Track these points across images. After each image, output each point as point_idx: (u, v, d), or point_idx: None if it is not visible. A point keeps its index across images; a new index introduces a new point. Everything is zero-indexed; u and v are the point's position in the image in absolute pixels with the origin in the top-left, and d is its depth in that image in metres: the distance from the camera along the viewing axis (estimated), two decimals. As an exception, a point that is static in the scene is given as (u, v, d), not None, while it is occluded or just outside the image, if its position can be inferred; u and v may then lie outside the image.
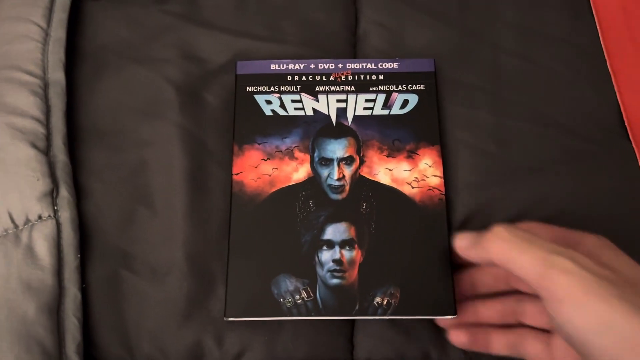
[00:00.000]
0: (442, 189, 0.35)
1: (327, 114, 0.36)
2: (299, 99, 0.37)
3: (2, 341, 0.30)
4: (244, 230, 0.34)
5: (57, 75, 0.37)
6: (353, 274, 0.33)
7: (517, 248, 0.26)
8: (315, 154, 0.35)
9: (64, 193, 0.34)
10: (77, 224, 0.34)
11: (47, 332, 0.31)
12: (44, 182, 0.33)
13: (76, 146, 0.37)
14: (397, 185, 0.35)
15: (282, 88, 0.37)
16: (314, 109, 0.36)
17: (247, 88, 0.37)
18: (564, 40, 0.40)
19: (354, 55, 0.41)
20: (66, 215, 0.33)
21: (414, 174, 0.35)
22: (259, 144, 0.35)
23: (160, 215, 0.35)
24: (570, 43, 0.40)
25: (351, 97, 0.37)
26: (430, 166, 0.35)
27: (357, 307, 0.32)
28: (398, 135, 0.36)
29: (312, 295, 0.32)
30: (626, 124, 0.38)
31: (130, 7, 0.41)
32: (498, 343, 0.31)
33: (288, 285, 0.32)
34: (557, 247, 0.26)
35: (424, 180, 0.35)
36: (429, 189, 0.35)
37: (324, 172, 0.35)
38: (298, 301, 0.32)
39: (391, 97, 0.37)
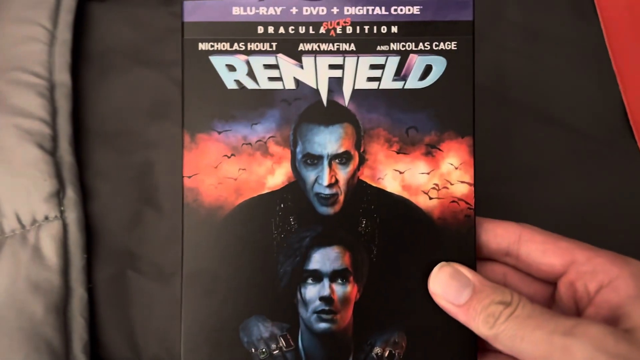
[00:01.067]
0: (472, 201, 0.26)
1: (315, 87, 0.25)
2: (274, 63, 0.25)
3: (12, 340, 0.30)
4: (202, 257, 0.25)
5: (63, 77, 0.37)
6: (346, 315, 0.25)
7: (518, 336, 0.22)
8: (298, 149, 0.25)
9: (71, 194, 0.34)
10: (84, 224, 0.34)
11: (54, 331, 0.31)
12: (50, 183, 0.34)
13: (82, 147, 0.37)
14: (409, 195, 0.26)
15: (251, 46, 0.25)
16: (296, 80, 0.25)
17: (200, 45, 0.25)
18: (568, 40, 0.40)
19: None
20: (73, 215, 0.34)
21: (433, 179, 0.26)
22: (219, 133, 0.25)
23: (166, 216, 0.35)
24: (575, 42, 0.40)
25: (350, 61, 0.25)
26: (456, 168, 0.26)
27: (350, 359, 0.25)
28: (414, 121, 0.25)
29: (292, 344, 0.25)
30: (631, 124, 0.38)
31: (136, 9, 0.41)
32: None
33: (262, 331, 0.25)
34: (561, 320, 0.22)
35: (446, 188, 0.25)
36: (453, 201, 0.25)
37: (310, 176, 0.25)
38: (275, 352, 0.25)
39: (408, 61, 0.25)
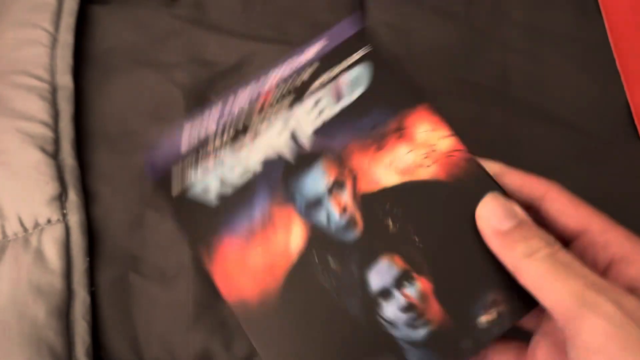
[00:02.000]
0: (461, 145, 0.26)
1: (278, 154, 0.27)
2: (236, 162, 0.27)
3: (14, 344, 0.30)
4: (279, 347, 0.24)
5: (65, 80, 0.37)
6: (435, 308, 0.24)
7: (552, 273, 0.22)
8: (298, 205, 0.26)
9: (73, 197, 0.34)
10: (86, 227, 0.34)
11: (57, 335, 0.31)
12: (53, 186, 0.34)
13: (85, 150, 0.37)
14: (410, 177, 0.26)
15: (212, 164, 0.27)
16: (262, 162, 0.26)
17: (174, 193, 0.26)
18: (571, 39, 0.40)
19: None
20: (75, 219, 0.34)
21: (419, 151, 0.26)
22: (226, 234, 0.26)
23: (168, 219, 0.35)
24: (578, 41, 0.40)
25: (294, 115, 0.27)
26: (431, 131, 0.27)
27: (468, 344, 0.24)
28: (373, 121, 0.27)
29: None
30: (635, 123, 0.37)
31: (137, 11, 0.41)
32: None
33: None
34: (598, 278, 0.21)
35: (434, 150, 0.26)
36: (448, 156, 0.26)
37: (321, 217, 0.26)
38: None
39: (337, 86, 0.27)
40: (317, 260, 0.25)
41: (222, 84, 0.39)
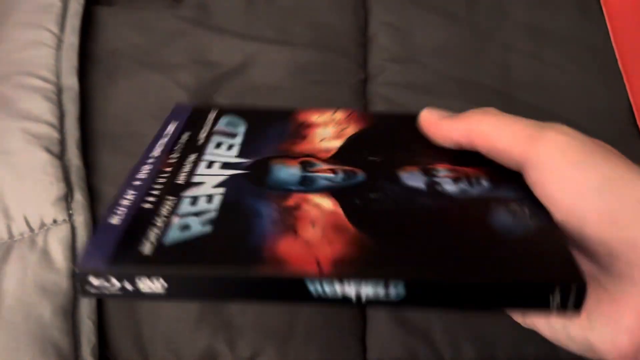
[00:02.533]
0: (348, 109, 0.30)
1: (228, 175, 0.25)
2: (191, 198, 0.24)
3: (20, 344, 0.30)
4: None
5: (70, 81, 0.37)
6: (468, 170, 0.25)
7: (503, 122, 0.23)
8: (295, 188, 0.24)
9: (79, 197, 0.34)
10: (92, 227, 0.34)
11: (62, 334, 0.31)
12: (58, 187, 0.34)
13: (90, 151, 0.37)
14: (346, 136, 0.28)
15: (165, 211, 0.23)
16: (219, 184, 0.24)
17: (146, 252, 0.20)
18: (574, 39, 0.40)
19: (365, 56, 0.41)
20: (81, 219, 0.34)
21: (330, 126, 0.28)
22: (268, 238, 0.22)
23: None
24: (581, 42, 0.40)
25: (208, 157, 0.26)
26: (320, 114, 0.29)
27: None
28: (276, 130, 0.28)
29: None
30: (638, 123, 0.37)
31: (142, 13, 0.41)
32: None
33: None
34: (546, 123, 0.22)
35: (338, 120, 0.29)
36: (351, 116, 0.29)
37: (324, 182, 0.25)
38: None
39: (221, 131, 0.28)
40: (359, 201, 0.24)
41: (226, 84, 0.39)
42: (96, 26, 0.40)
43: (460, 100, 0.38)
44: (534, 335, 0.34)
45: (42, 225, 0.33)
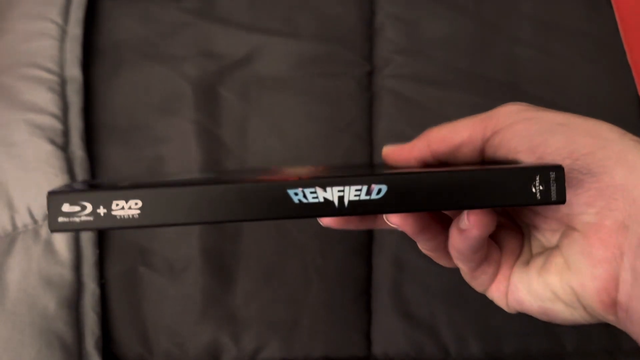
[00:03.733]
0: None
1: None
2: None
3: (24, 335, 0.30)
4: None
5: (74, 72, 0.37)
6: None
7: (455, 122, 0.24)
8: None
9: (82, 189, 0.34)
10: (96, 219, 0.34)
11: (67, 326, 0.31)
12: (62, 178, 0.34)
13: (93, 143, 0.37)
14: None
15: None
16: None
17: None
18: (582, 32, 0.40)
19: (371, 48, 0.40)
20: (85, 211, 0.34)
21: None
22: None
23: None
24: (589, 35, 0.39)
25: None
26: None
27: None
28: None
29: None
30: (647, 117, 0.37)
31: (146, 4, 0.41)
32: None
33: None
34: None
35: None
36: None
37: None
38: None
39: None
40: None
41: (231, 76, 0.39)
42: (100, 18, 0.40)
43: (467, 93, 0.38)
44: (539, 330, 0.34)
45: (46, 217, 0.33)
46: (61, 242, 0.33)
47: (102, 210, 0.19)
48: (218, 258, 0.35)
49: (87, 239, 0.33)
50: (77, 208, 0.19)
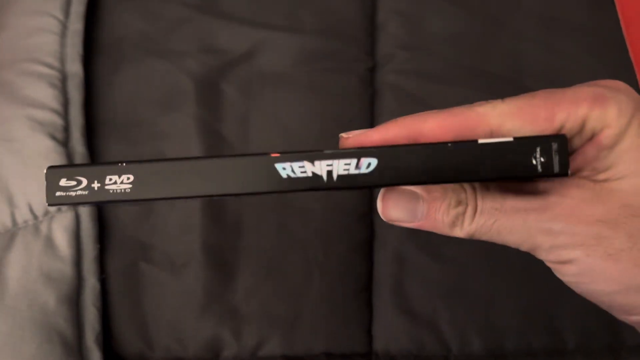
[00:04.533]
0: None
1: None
2: None
3: (25, 331, 0.30)
4: None
5: (75, 68, 0.37)
6: None
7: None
8: None
9: (83, 184, 0.34)
10: (96, 215, 0.34)
11: (67, 322, 0.31)
12: (63, 174, 0.34)
13: (94, 138, 0.37)
14: None
15: None
16: None
17: None
18: (584, 28, 0.39)
19: (373, 44, 0.40)
20: (85, 207, 0.34)
21: None
22: None
23: (177, 207, 0.35)
24: (592, 31, 0.39)
25: None
26: None
27: None
28: None
29: None
30: (650, 113, 0.37)
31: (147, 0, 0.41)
32: None
33: None
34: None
35: None
36: None
37: None
38: None
39: None
40: None
41: (233, 72, 0.38)
42: (101, 13, 0.40)
43: (470, 89, 0.38)
44: (541, 326, 0.34)
45: (46, 212, 0.33)
46: (61, 237, 0.33)
47: (96, 185, 0.20)
48: (219, 253, 0.34)
49: (88, 235, 0.33)
50: (73, 182, 0.20)
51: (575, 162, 0.21)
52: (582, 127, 0.20)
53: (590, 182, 0.20)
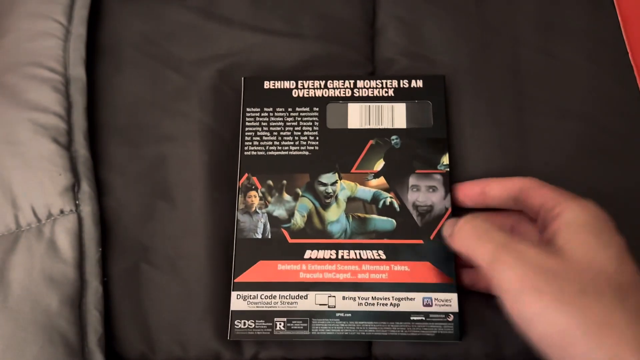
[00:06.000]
0: None
1: None
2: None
3: (27, 333, 0.31)
4: None
5: (78, 72, 0.37)
6: None
7: (473, 242, 0.28)
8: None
9: (86, 188, 0.34)
10: (99, 218, 0.34)
11: (69, 324, 0.31)
12: (65, 177, 0.34)
13: (97, 142, 0.37)
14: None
15: None
16: None
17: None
18: (584, 33, 0.39)
19: (373, 49, 0.40)
20: (87, 209, 0.34)
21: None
22: None
23: (179, 210, 0.36)
24: (592, 35, 0.39)
25: None
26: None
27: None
28: None
29: None
30: (650, 117, 0.37)
31: (149, 3, 0.41)
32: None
33: None
34: (508, 239, 0.27)
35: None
36: None
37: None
38: None
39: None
40: None
41: (234, 75, 0.39)
42: (104, 16, 0.40)
43: (468, 95, 0.38)
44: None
45: (49, 215, 0.33)
46: (64, 240, 0.33)
47: None
48: (221, 255, 0.35)
49: (90, 237, 0.33)
50: None
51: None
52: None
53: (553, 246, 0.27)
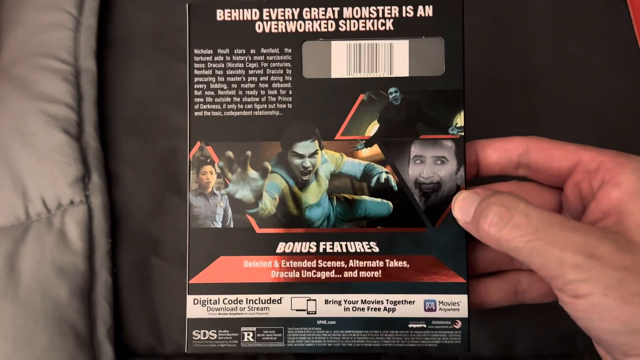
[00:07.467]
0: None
1: None
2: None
3: (37, 324, 0.31)
4: None
5: (88, 63, 0.37)
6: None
7: (514, 233, 0.22)
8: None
9: (96, 179, 0.34)
10: (109, 209, 0.34)
11: (79, 315, 0.31)
12: (76, 168, 0.34)
13: (107, 134, 0.37)
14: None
15: None
16: None
17: None
18: (596, 30, 0.39)
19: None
20: (97, 201, 0.34)
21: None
22: None
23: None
24: (603, 32, 0.39)
25: None
26: None
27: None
28: None
29: None
30: (662, 116, 0.37)
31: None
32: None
33: None
34: (570, 231, 0.22)
35: None
36: None
37: None
38: None
39: None
40: None
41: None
42: (114, 8, 0.40)
43: (479, 90, 0.38)
44: (552, 332, 0.34)
45: (59, 206, 0.33)
46: (74, 231, 0.33)
47: None
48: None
49: (100, 229, 0.33)
50: None
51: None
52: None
53: (621, 237, 0.22)
